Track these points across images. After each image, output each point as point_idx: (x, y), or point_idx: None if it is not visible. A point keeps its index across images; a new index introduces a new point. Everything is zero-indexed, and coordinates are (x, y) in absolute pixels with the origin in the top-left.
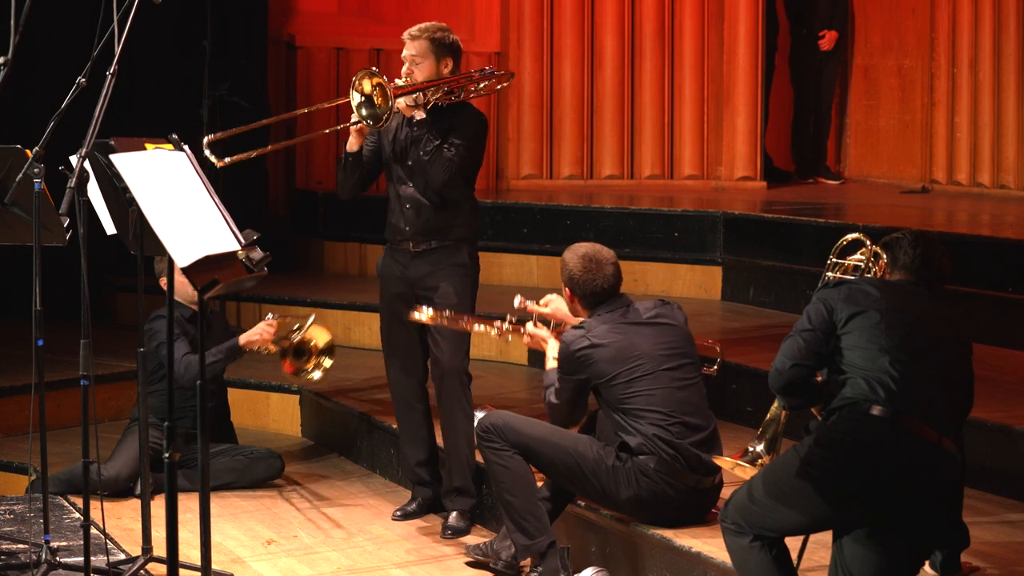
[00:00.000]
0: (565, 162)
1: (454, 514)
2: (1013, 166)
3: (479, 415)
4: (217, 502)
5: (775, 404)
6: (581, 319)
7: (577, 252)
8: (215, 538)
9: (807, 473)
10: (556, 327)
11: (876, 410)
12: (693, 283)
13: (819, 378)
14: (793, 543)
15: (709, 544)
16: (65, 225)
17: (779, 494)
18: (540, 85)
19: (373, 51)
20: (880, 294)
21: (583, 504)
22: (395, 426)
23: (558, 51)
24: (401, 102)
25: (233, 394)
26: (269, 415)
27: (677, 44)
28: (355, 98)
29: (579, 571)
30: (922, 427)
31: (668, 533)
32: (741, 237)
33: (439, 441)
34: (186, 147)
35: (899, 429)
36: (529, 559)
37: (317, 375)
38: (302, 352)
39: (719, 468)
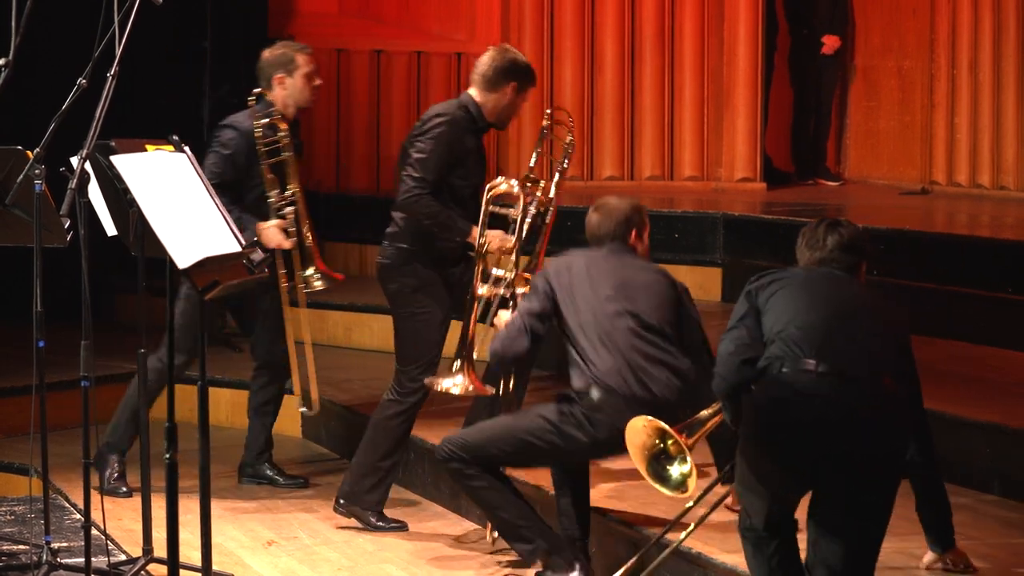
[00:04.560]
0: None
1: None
2: (1013, 167)
3: None
4: (218, 503)
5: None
6: None
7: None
8: (216, 539)
9: (746, 449)
10: None
11: (786, 367)
12: (693, 284)
13: None
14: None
15: (710, 546)
16: (66, 226)
17: (745, 483)
18: (540, 87)
19: (374, 52)
20: (797, 271)
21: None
22: None
23: (558, 53)
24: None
25: (235, 395)
26: None
27: (677, 46)
28: None
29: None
30: (834, 368)
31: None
32: (741, 238)
33: None
34: (187, 148)
35: (815, 377)
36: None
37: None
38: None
39: (679, 385)
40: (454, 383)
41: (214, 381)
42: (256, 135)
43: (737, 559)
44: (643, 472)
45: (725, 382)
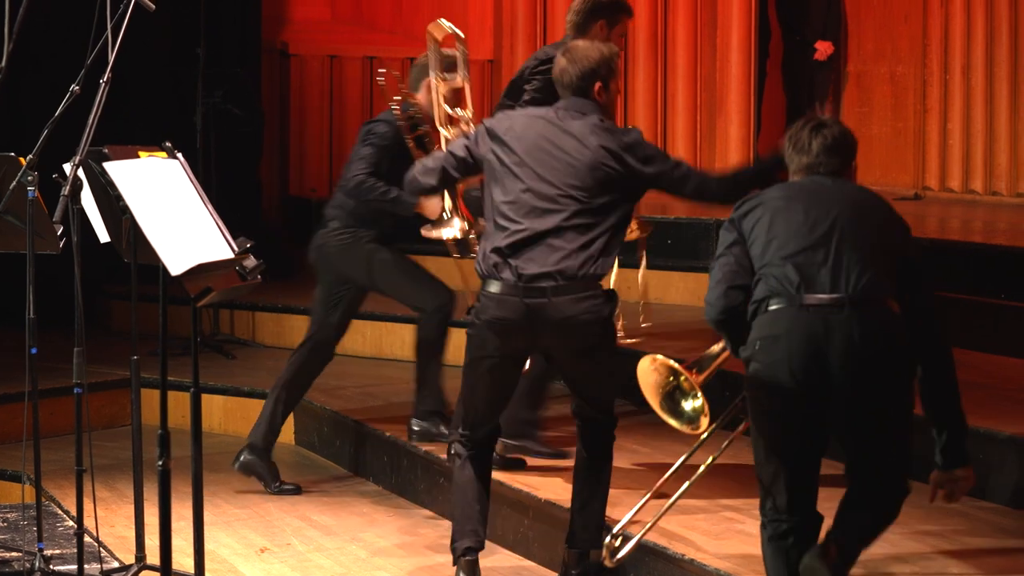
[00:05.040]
0: None
1: None
2: (1006, 173)
3: None
4: (210, 510)
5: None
6: None
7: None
8: (208, 546)
9: (753, 394)
10: None
11: (774, 304)
12: (687, 291)
13: None
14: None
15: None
16: (59, 233)
17: (759, 430)
18: None
19: (366, 59)
20: (777, 193)
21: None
22: (388, 433)
23: None
24: None
25: (226, 401)
26: None
27: (670, 52)
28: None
29: None
30: (822, 298)
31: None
32: None
33: None
34: (180, 155)
35: (799, 309)
36: None
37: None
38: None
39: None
40: (450, 227)
41: (207, 388)
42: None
43: (730, 565)
44: (657, 409)
45: (713, 309)
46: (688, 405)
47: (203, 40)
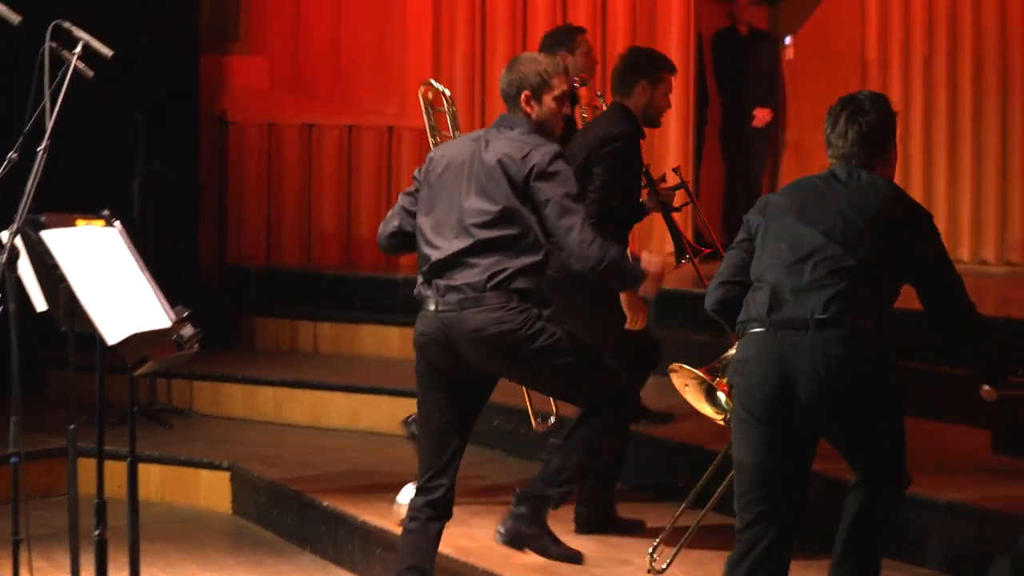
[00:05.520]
0: None
1: None
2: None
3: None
4: None
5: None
6: None
7: None
8: None
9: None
10: None
11: (751, 326)
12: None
13: None
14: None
15: None
16: None
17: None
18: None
19: (305, 126)
20: (780, 199)
21: None
22: (326, 502)
23: (489, 123)
24: None
25: (163, 471)
26: (200, 492)
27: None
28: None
29: None
30: (790, 321)
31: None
32: (672, 312)
33: None
34: (118, 223)
35: (767, 332)
36: None
37: None
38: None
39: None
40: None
41: (144, 457)
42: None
43: None
44: (705, 411)
45: (708, 299)
46: (723, 397)
47: (143, 107)
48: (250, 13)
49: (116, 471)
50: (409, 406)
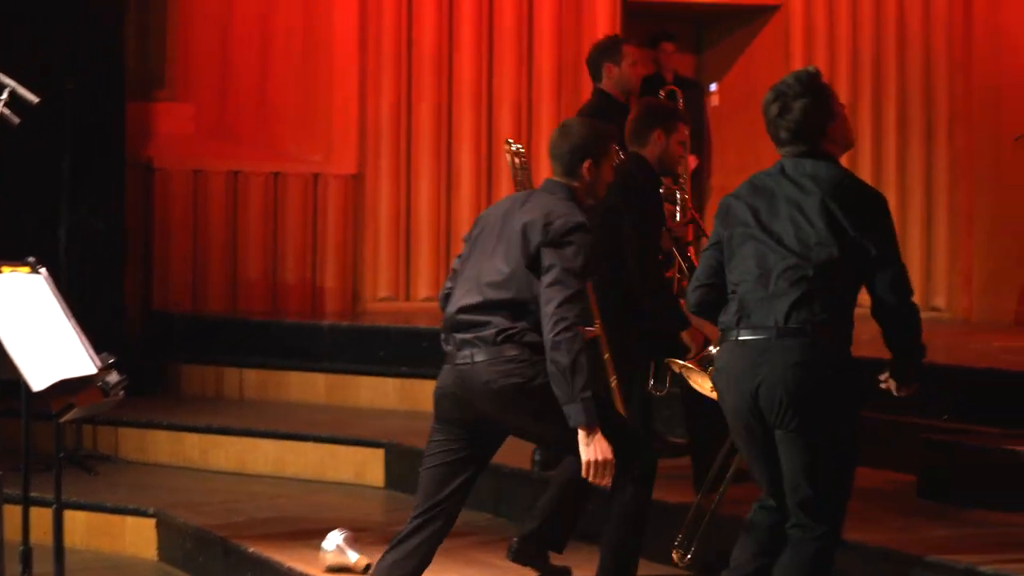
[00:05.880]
0: (422, 284)
1: None
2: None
3: (337, 536)
4: None
5: None
6: None
7: None
8: None
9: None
10: None
11: (726, 336)
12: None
13: None
14: None
15: None
16: None
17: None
18: (397, 206)
19: (231, 173)
20: (742, 204)
21: None
22: (251, 548)
23: (415, 171)
24: None
25: (87, 518)
26: (126, 538)
27: (533, 162)
28: None
29: None
30: (756, 328)
31: None
32: None
33: None
34: (43, 270)
35: (735, 343)
36: None
37: None
38: None
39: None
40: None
41: (69, 504)
42: None
43: None
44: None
45: (688, 301)
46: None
47: (68, 154)
48: (176, 60)
49: (42, 517)
50: (334, 452)
